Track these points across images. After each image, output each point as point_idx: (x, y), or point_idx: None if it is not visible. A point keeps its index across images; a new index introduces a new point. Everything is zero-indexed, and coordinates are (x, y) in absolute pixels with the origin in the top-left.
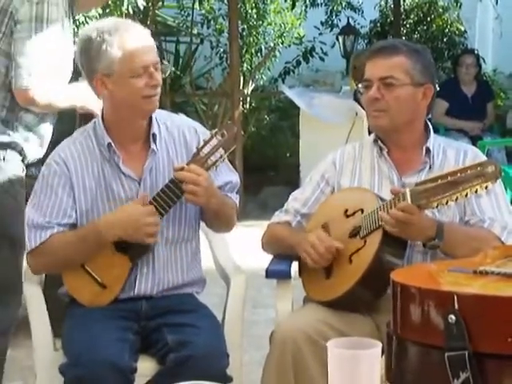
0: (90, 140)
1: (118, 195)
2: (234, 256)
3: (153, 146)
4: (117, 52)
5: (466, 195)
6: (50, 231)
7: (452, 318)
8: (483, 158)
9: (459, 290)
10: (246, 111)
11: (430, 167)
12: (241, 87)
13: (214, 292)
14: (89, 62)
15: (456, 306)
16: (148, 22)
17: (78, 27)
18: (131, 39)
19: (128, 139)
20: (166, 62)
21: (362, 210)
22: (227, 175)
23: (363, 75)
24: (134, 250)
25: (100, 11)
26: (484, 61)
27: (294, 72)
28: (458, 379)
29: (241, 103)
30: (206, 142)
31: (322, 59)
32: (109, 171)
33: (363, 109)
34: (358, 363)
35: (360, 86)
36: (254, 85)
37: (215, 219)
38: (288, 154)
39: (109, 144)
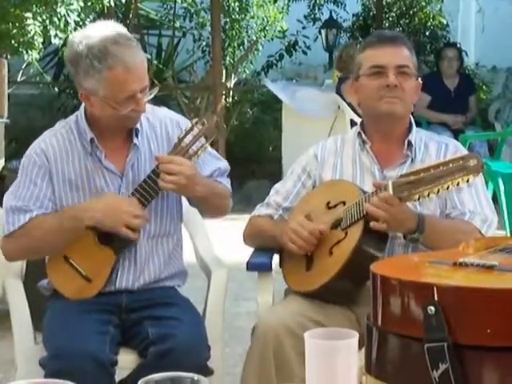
0: (72, 133)
1: (101, 189)
2: (215, 249)
3: (135, 140)
4: (104, 80)
5: (448, 188)
6: (29, 214)
7: (431, 309)
8: (464, 151)
9: (439, 282)
10: (228, 105)
11: (412, 160)
12: (223, 81)
13: (196, 286)
14: (76, 75)
15: (436, 297)
16: (130, 16)
17: (59, 20)
18: (121, 69)
19: (110, 135)
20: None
21: (344, 203)
22: (214, 163)
23: (348, 66)
24: (117, 243)
25: (82, 4)
26: (466, 54)
27: (276, 66)
28: (438, 370)
29: (223, 97)
30: (186, 132)
31: (304, 53)
32: (91, 165)
33: (345, 101)
34: (335, 354)
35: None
36: (236, 78)
37: (205, 205)
38: (271, 148)
39: (91, 139)
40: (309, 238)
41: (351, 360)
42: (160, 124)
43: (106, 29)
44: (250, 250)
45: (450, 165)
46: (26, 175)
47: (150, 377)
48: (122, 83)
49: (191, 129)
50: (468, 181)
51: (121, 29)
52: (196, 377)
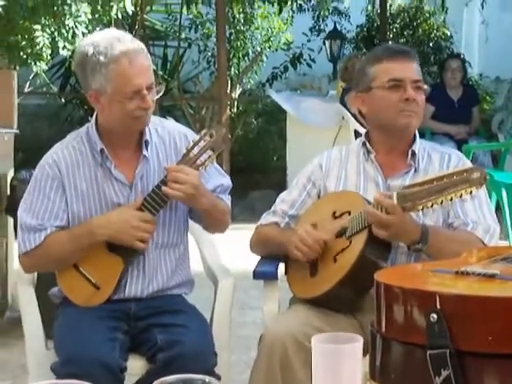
0: (83, 144)
1: (110, 199)
2: (222, 258)
3: (145, 152)
4: (110, 75)
5: (451, 199)
6: (44, 233)
7: (434, 317)
8: (467, 161)
9: (441, 290)
10: (233, 115)
11: (416, 170)
12: (228, 91)
13: (202, 295)
14: (84, 77)
15: (438, 305)
16: (136, 27)
17: (67, 32)
18: (126, 62)
19: (120, 145)
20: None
21: (350, 213)
22: (218, 179)
23: (353, 77)
24: (126, 251)
25: (90, 16)
26: (470, 65)
27: (281, 77)
28: (440, 377)
29: (228, 107)
30: (195, 144)
31: (309, 66)
32: (101, 175)
33: (350, 112)
34: (341, 357)
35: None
36: (241, 89)
37: (207, 219)
38: (275, 158)
39: (101, 149)
40: (313, 246)
41: (356, 363)
42: (169, 136)
43: (110, 32)
44: (254, 260)
45: (454, 177)
46: (40, 189)
47: (163, 379)
48: (127, 77)
49: (199, 140)
50: (471, 193)
51: (124, 33)
52: (207, 379)
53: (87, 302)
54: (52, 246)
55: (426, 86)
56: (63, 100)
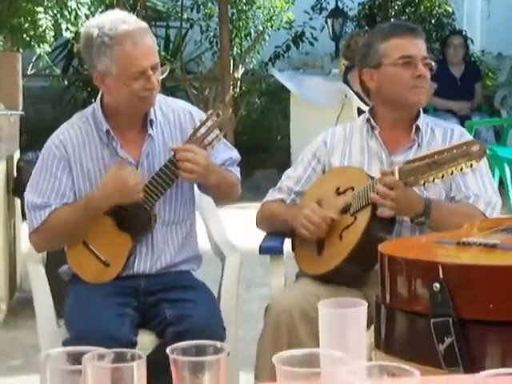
0: (89, 125)
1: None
2: (228, 235)
3: (150, 130)
4: (114, 56)
5: (452, 173)
6: (49, 209)
7: (437, 286)
8: (469, 136)
9: (444, 260)
10: (236, 95)
11: (419, 145)
12: (231, 71)
13: (209, 272)
14: (89, 59)
15: (441, 275)
16: (138, 8)
17: (70, 13)
18: (130, 43)
19: (126, 125)
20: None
21: (353, 188)
22: (226, 153)
23: (355, 55)
24: (135, 228)
25: None
26: (472, 42)
27: (283, 56)
28: (443, 344)
29: (231, 87)
30: (202, 123)
31: (311, 44)
32: (107, 155)
33: (352, 90)
34: (346, 320)
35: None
36: (244, 68)
37: (217, 193)
38: (279, 137)
39: (107, 130)
40: (320, 224)
41: (361, 326)
42: (173, 114)
43: (115, 13)
44: (259, 238)
45: (454, 151)
46: (47, 168)
47: (176, 345)
48: (132, 58)
49: (206, 120)
50: (471, 166)
51: (129, 15)
52: (219, 344)
53: (97, 278)
54: (56, 220)
55: (433, 63)
56: (66, 82)
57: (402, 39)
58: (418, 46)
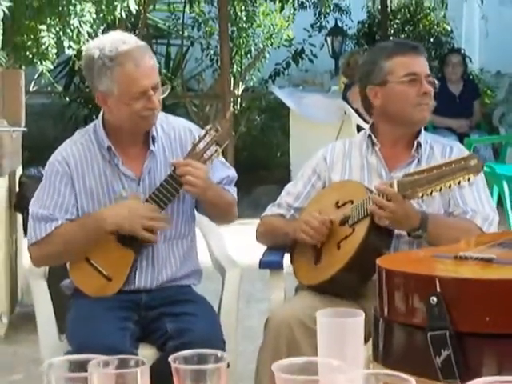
0: (91, 142)
1: (119, 194)
2: (228, 250)
3: (152, 147)
4: (116, 77)
5: (450, 186)
6: (55, 223)
7: (434, 299)
8: (467, 153)
9: (441, 274)
10: (236, 112)
11: (419, 161)
12: (231, 88)
13: (209, 288)
14: (91, 80)
15: (438, 288)
16: (140, 26)
17: (72, 31)
18: (131, 64)
19: (127, 143)
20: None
21: (352, 202)
22: (223, 171)
23: (355, 73)
24: (136, 244)
25: (94, 15)
26: (471, 60)
27: (283, 73)
28: (440, 357)
29: (232, 104)
30: (200, 138)
31: (311, 61)
32: (109, 172)
33: (352, 107)
34: (344, 330)
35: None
36: (244, 86)
37: (214, 211)
38: (279, 154)
39: (109, 147)
40: (320, 228)
41: (358, 336)
42: (174, 131)
43: (115, 34)
44: (259, 253)
45: (452, 165)
46: (50, 183)
47: (179, 353)
48: (133, 79)
49: (205, 135)
50: (469, 179)
51: (129, 35)
52: (219, 353)
53: (99, 293)
54: (61, 236)
55: (436, 80)
56: (68, 99)
57: (406, 57)
58: (421, 64)
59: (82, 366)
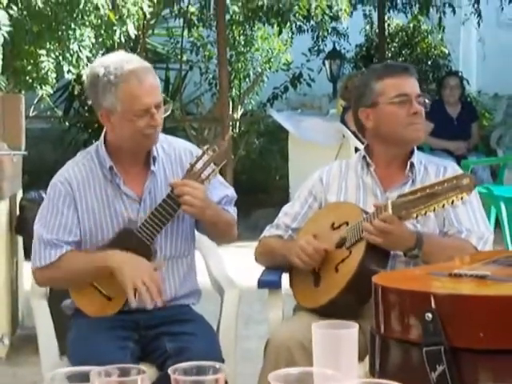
0: (93, 162)
1: (121, 214)
2: (227, 270)
3: (152, 167)
4: (120, 94)
5: (443, 206)
6: (60, 251)
7: (429, 316)
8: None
9: (436, 291)
10: (235, 135)
11: (413, 181)
12: (230, 112)
13: (208, 309)
14: (95, 97)
15: (433, 305)
16: (138, 50)
17: (72, 56)
18: (135, 81)
19: (129, 162)
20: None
21: (348, 223)
22: (222, 190)
23: (350, 96)
24: None
25: (93, 40)
26: (468, 82)
27: (281, 97)
28: (435, 372)
29: (230, 128)
30: (198, 158)
31: (309, 85)
32: (111, 192)
33: (350, 130)
34: (339, 341)
35: (347, 103)
36: (242, 109)
37: (214, 231)
38: (277, 177)
39: (110, 167)
40: (313, 255)
41: (352, 346)
42: (174, 152)
43: (119, 54)
44: (257, 275)
45: (445, 184)
46: (53, 205)
47: (178, 365)
48: (137, 96)
49: (202, 155)
50: (462, 198)
51: (133, 55)
52: (218, 365)
53: (100, 313)
54: (66, 266)
55: (427, 100)
56: (67, 124)
57: (396, 78)
58: (411, 85)
59: (83, 379)
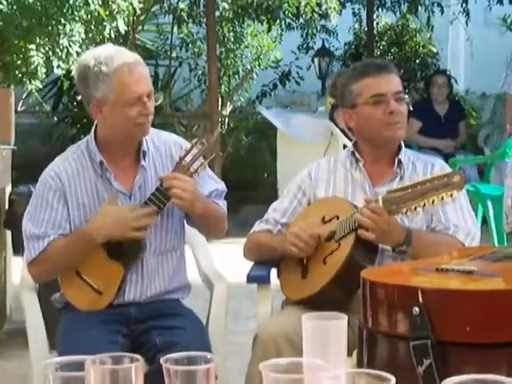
0: (83, 156)
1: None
2: (216, 265)
3: (142, 162)
4: (112, 83)
5: (433, 202)
6: (47, 239)
7: (416, 310)
8: (449, 169)
9: (423, 285)
10: (224, 132)
11: (401, 178)
12: (219, 109)
13: (197, 305)
14: (86, 89)
15: (420, 299)
16: (128, 46)
17: (61, 51)
18: (127, 71)
19: (119, 157)
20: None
21: (338, 217)
22: (212, 184)
23: (336, 93)
24: (126, 257)
25: (83, 36)
26: (456, 81)
27: (270, 94)
28: (422, 366)
29: (219, 124)
30: (187, 152)
31: (298, 83)
32: (101, 187)
33: (338, 128)
34: (327, 331)
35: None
36: (232, 106)
37: (203, 223)
38: (266, 174)
39: (101, 161)
40: (309, 241)
41: (341, 337)
42: (164, 146)
43: (109, 46)
44: (245, 271)
45: (436, 181)
46: (43, 199)
47: (169, 355)
48: (128, 84)
49: (191, 148)
50: (452, 195)
51: (122, 48)
52: (209, 355)
53: (90, 306)
54: (54, 251)
55: (406, 97)
56: (56, 119)
57: (374, 78)
58: (389, 83)
59: (76, 368)
